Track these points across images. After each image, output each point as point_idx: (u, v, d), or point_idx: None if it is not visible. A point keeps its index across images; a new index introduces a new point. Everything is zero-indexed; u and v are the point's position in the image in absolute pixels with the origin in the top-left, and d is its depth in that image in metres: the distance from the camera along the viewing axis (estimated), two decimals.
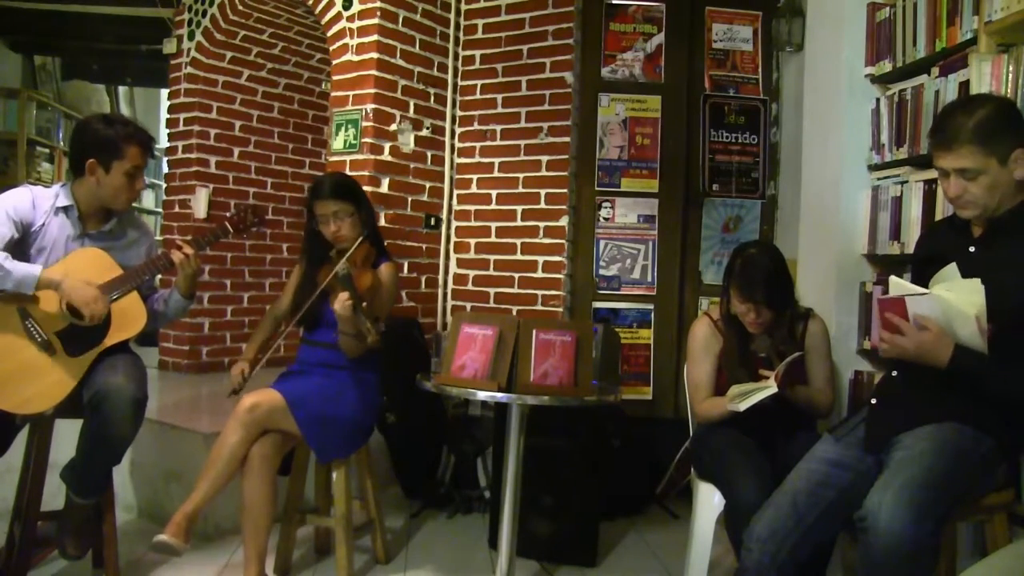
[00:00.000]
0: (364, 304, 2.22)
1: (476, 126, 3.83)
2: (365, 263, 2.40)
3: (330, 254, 2.47)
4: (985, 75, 2.14)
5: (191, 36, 4.24)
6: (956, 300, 1.66)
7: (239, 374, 2.45)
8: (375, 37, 3.48)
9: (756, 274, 2.20)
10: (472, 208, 3.82)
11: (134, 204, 2.52)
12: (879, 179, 2.64)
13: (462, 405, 3.47)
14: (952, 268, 1.74)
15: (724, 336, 2.34)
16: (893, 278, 1.79)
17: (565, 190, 3.57)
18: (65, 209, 2.25)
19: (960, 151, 1.71)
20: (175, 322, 3.42)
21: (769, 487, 1.93)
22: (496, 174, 3.75)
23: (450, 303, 3.87)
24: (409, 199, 3.69)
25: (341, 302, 2.18)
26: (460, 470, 3.40)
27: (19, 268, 2.07)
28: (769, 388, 2.04)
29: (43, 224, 2.22)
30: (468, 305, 3.81)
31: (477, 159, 3.82)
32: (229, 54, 4.27)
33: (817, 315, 2.37)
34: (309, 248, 2.55)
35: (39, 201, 2.23)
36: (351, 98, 3.54)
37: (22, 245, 2.18)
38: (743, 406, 2.05)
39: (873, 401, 1.92)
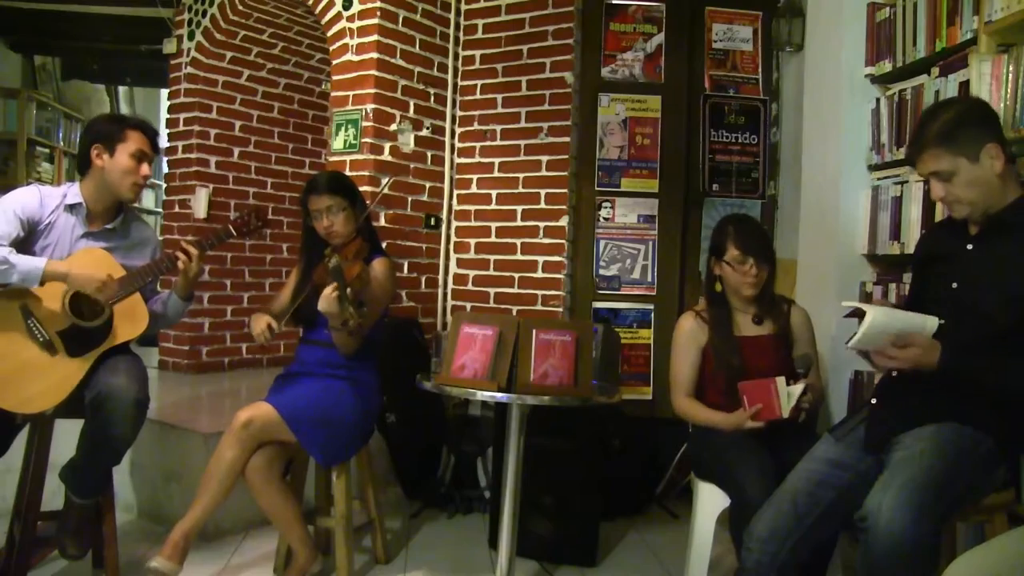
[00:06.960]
0: (349, 291, 2.14)
1: (476, 126, 3.82)
2: (357, 256, 2.34)
3: (324, 252, 2.41)
4: (985, 75, 2.14)
5: (191, 36, 4.24)
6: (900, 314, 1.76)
7: (265, 329, 2.33)
8: (375, 37, 3.48)
9: (752, 230, 2.38)
10: (472, 208, 3.82)
11: (136, 206, 2.51)
12: (879, 179, 2.64)
13: (462, 405, 3.47)
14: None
15: (710, 316, 2.38)
16: (845, 304, 1.86)
17: (565, 190, 3.57)
18: (73, 207, 2.26)
19: (925, 156, 1.76)
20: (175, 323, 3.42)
21: (773, 484, 1.93)
22: (496, 174, 3.75)
23: (450, 303, 3.87)
24: (409, 199, 3.69)
25: (326, 296, 2.13)
26: (460, 470, 3.40)
27: (24, 261, 2.07)
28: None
29: (50, 222, 2.23)
30: (468, 305, 3.80)
31: (477, 159, 3.82)
32: (229, 54, 4.26)
33: (797, 304, 2.43)
34: (307, 247, 2.54)
35: (47, 199, 2.25)
36: (351, 98, 3.54)
37: (27, 243, 2.19)
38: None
39: (873, 401, 1.93)
